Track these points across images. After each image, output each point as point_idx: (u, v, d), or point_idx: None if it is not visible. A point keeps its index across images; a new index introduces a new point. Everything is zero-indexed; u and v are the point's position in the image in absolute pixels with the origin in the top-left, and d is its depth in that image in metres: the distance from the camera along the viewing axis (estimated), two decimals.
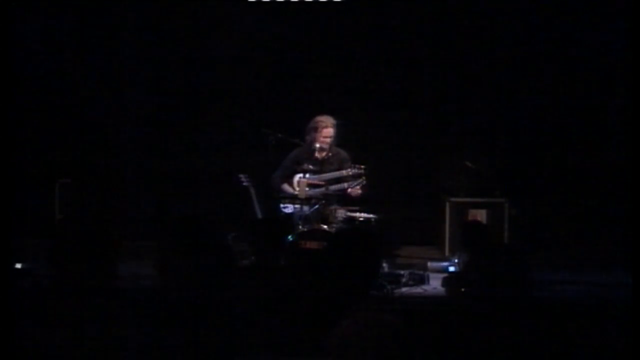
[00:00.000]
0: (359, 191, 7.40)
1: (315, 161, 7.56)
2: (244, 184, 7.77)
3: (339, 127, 7.62)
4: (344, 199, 7.54)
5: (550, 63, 9.03)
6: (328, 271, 3.47)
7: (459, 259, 6.96)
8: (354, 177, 7.37)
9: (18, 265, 5.90)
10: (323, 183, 7.45)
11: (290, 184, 7.61)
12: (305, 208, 7.30)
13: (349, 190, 7.39)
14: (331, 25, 9.05)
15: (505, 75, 9.06)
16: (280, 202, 7.49)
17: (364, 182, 7.34)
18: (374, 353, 2.33)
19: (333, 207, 7.40)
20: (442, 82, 9.17)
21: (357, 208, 7.43)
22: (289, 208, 7.46)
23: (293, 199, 7.40)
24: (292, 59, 9.14)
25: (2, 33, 7.65)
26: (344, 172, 7.42)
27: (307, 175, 7.47)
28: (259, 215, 7.64)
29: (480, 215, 8.41)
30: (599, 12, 8.85)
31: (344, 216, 7.33)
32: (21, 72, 8.93)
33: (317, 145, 7.52)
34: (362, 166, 7.36)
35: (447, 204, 8.49)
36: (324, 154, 7.59)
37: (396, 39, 9.11)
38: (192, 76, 9.21)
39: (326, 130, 7.54)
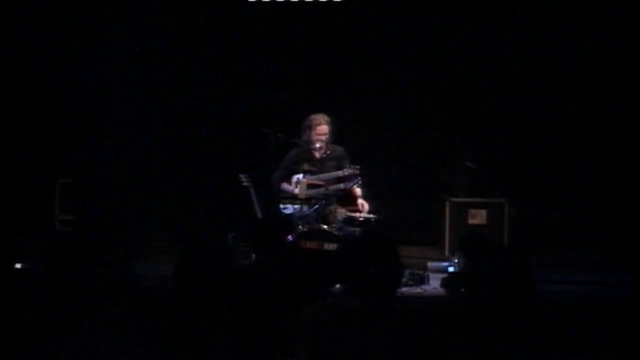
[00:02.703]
0: (359, 190, 7.39)
1: (314, 160, 7.56)
2: (244, 184, 7.76)
3: (337, 126, 7.61)
4: (343, 199, 7.53)
5: (550, 63, 9.02)
6: (356, 273, 3.47)
7: (458, 259, 6.96)
8: (350, 177, 7.36)
9: (18, 265, 5.91)
10: (323, 183, 7.44)
11: (290, 183, 7.61)
12: (305, 208, 7.30)
13: (351, 190, 7.38)
14: (331, 25, 9.05)
15: (505, 75, 9.06)
16: (281, 203, 7.48)
17: (360, 182, 7.32)
18: (342, 337, 2.34)
19: (333, 207, 7.40)
20: (442, 82, 9.17)
21: (357, 208, 7.42)
22: (289, 208, 7.45)
23: (293, 199, 7.40)
24: (292, 59, 9.14)
25: (2, 33, 7.66)
26: (339, 173, 7.41)
27: (307, 176, 7.47)
28: (259, 215, 7.64)
29: (480, 215, 8.41)
30: (600, 13, 8.84)
31: (344, 216, 7.32)
32: (21, 72, 8.92)
33: (316, 145, 7.53)
34: (357, 166, 7.35)
35: (447, 204, 8.49)
36: (321, 152, 7.59)
37: (396, 38, 9.11)
38: (192, 76, 9.20)
39: (320, 128, 7.54)
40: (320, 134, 7.53)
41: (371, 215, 7.32)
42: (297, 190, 7.46)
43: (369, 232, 6.71)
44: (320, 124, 7.54)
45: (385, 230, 7.03)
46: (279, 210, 7.46)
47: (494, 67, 9.06)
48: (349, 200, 7.52)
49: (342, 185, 7.38)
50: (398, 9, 9.04)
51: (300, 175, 7.51)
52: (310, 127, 7.56)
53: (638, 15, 8.13)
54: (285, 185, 7.62)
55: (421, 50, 9.12)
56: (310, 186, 7.41)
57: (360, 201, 7.42)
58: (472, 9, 9.01)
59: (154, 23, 9.12)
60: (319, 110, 7.70)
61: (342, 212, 7.36)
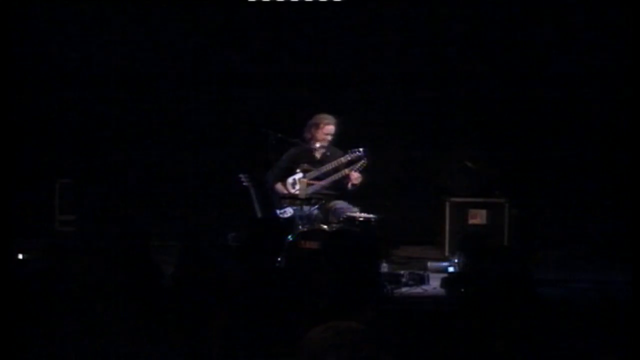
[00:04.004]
0: (359, 175, 7.35)
1: (314, 160, 7.56)
2: (244, 184, 7.76)
3: (339, 126, 7.62)
4: (345, 198, 7.52)
5: (551, 63, 9.02)
6: (326, 272, 3.47)
7: (458, 259, 6.96)
8: (354, 161, 7.35)
9: (20, 256, 6.00)
10: (323, 183, 7.44)
11: (284, 185, 7.60)
12: (306, 208, 7.30)
13: (350, 175, 7.34)
14: (331, 25, 9.05)
15: (506, 75, 9.06)
16: (279, 207, 7.48)
17: (365, 163, 7.31)
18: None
19: (333, 202, 7.40)
20: (442, 82, 9.17)
21: (357, 208, 7.42)
22: (286, 212, 7.45)
23: (293, 199, 7.39)
24: (292, 59, 9.14)
25: (2, 33, 7.67)
26: (342, 159, 7.41)
27: (306, 175, 7.45)
28: (259, 215, 7.64)
29: (480, 215, 8.40)
30: (600, 13, 8.84)
31: (344, 216, 7.32)
32: (21, 72, 8.92)
33: (317, 144, 7.53)
34: (361, 149, 7.34)
35: (447, 204, 8.48)
36: (322, 153, 7.59)
37: (395, 38, 9.11)
38: (192, 76, 9.20)
39: (328, 127, 7.55)
40: (327, 134, 7.55)
41: (371, 215, 7.32)
42: (293, 191, 7.46)
43: (344, 231, 6.72)
44: (328, 124, 7.57)
45: (364, 230, 7.02)
46: (277, 216, 7.46)
47: (494, 66, 9.06)
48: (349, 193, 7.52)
49: (347, 170, 7.38)
50: (398, 9, 9.04)
51: (297, 176, 7.51)
52: (317, 125, 7.57)
53: (638, 16, 8.12)
54: (279, 187, 7.61)
55: (421, 50, 9.13)
56: (310, 185, 7.41)
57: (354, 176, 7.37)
58: (473, 8, 9.01)
59: (154, 23, 9.12)
60: (318, 110, 7.71)
61: (342, 204, 7.36)
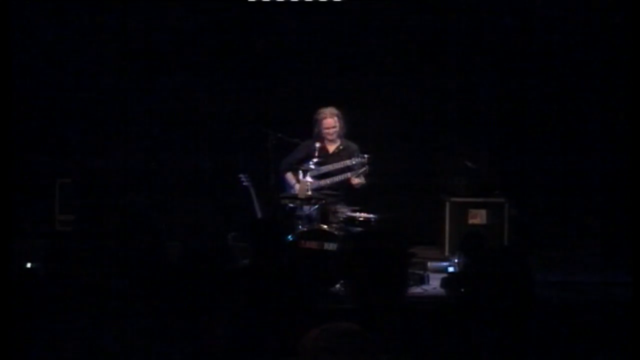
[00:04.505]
0: (362, 180, 7.36)
1: (326, 154, 7.54)
2: (244, 184, 7.77)
3: (342, 118, 7.60)
4: (346, 198, 7.52)
5: (551, 63, 9.02)
6: (353, 275, 3.46)
7: (458, 259, 6.96)
8: (358, 166, 7.36)
9: (28, 265, 5.98)
10: (324, 182, 7.44)
11: (295, 174, 7.57)
12: (306, 208, 7.29)
13: (352, 180, 7.35)
14: (331, 25, 9.05)
15: (506, 75, 9.06)
16: (280, 203, 7.48)
17: (367, 170, 7.32)
18: None
19: (337, 206, 7.39)
20: (442, 82, 9.17)
21: (358, 208, 7.42)
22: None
23: (293, 199, 7.39)
24: (292, 59, 9.14)
25: (2, 33, 7.65)
26: (347, 162, 7.41)
27: (309, 173, 7.44)
28: (259, 215, 7.64)
29: (480, 215, 8.41)
30: (600, 13, 8.85)
31: (345, 216, 7.32)
32: (21, 72, 8.92)
33: (326, 138, 7.52)
34: (366, 155, 7.34)
35: (447, 204, 8.49)
36: (334, 146, 7.58)
37: (395, 38, 9.11)
38: (192, 76, 9.20)
39: (325, 122, 7.54)
40: (327, 128, 7.54)
41: (371, 215, 7.32)
42: (297, 187, 7.44)
43: (376, 230, 6.71)
44: (325, 118, 7.55)
45: (393, 231, 7.02)
46: (283, 207, 7.45)
47: (494, 66, 9.07)
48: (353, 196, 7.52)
49: (349, 174, 7.38)
50: (398, 8, 9.04)
51: (302, 174, 7.49)
52: (318, 121, 7.57)
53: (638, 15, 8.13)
54: (289, 176, 7.59)
55: (421, 50, 9.13)
56: (313, 183, 7.40)
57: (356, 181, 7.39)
58: (473, 7, 9.01)
59: (154, 23, 9.12)
60: (316, 109, 7.72)
61: (343, 212, 7.35)
